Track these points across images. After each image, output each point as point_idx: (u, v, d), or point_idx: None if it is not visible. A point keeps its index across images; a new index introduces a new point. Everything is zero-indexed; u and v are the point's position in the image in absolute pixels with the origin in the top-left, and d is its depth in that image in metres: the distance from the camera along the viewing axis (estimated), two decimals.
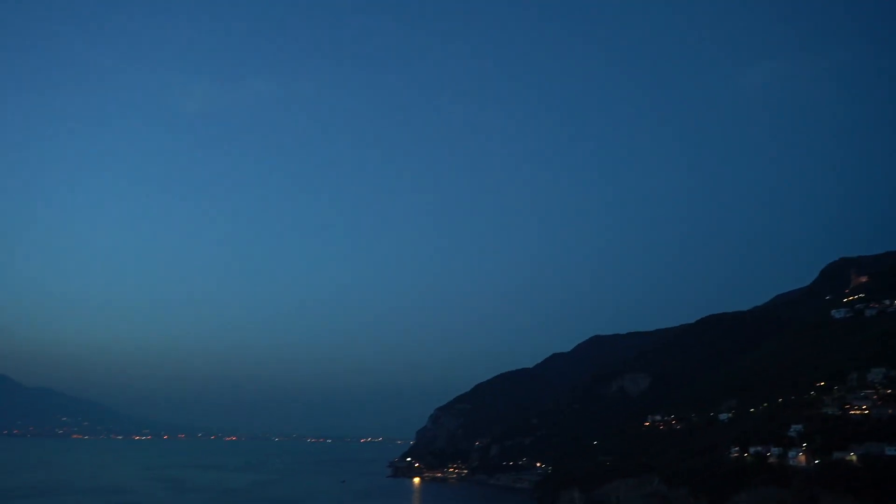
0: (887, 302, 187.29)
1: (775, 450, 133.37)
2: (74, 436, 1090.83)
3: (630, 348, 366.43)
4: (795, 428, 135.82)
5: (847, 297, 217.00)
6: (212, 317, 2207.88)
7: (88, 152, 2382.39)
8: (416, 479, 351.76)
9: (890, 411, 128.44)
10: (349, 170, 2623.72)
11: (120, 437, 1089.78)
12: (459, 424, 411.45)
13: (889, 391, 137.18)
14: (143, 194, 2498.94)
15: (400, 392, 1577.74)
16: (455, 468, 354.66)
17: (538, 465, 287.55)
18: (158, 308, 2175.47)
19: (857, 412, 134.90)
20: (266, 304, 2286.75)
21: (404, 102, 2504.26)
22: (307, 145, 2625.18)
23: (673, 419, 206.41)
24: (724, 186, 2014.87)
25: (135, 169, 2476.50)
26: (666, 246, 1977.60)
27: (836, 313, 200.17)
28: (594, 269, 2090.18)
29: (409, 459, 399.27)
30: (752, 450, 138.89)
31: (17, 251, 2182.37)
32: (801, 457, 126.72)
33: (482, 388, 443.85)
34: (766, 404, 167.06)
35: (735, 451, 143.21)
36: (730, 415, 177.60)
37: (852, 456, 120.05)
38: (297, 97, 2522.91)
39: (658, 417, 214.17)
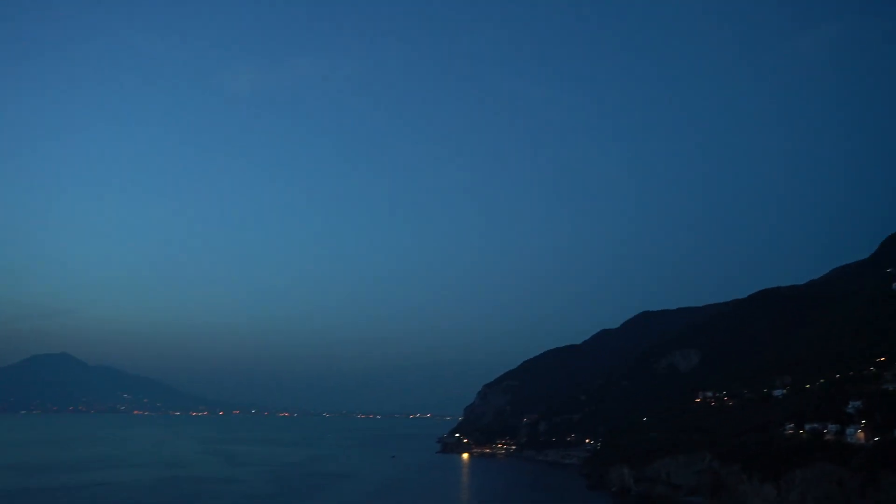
0: None
1: (832, 427, 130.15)
2: (135, 412, 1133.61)
3: (680, 324, 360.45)
4: (854, 404, 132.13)
5: None
6: (266, 298, 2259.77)
7: (143, 137, 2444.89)
8: (465, 455, 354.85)
9: None
10: (391, 147, 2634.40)
11: (178, 414, 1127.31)
12: (507, 401, 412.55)
13: None
14: (196, 177, 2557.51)
15: (448, 369, 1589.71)
16: (503, 444, 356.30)
17: (587, 441, 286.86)
18: (216, 290, 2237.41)
19: None
20: (319, 286, 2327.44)
21: (447, 78, 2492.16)
22: (350, 122, 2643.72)
23: (725, 396, 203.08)
24: (782, 157, 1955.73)
25: (183, 153, 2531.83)
26: (718, 220, 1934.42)
27: None
28: (643, 245, 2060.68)
29: (457, 435, 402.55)
30: (807, 427, 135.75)
31: (79, 237, 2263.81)
32: (860, 434, 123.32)
33: (530, 365, 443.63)
34: (822, 380, 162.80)
35: (790, 428, 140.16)
36: (784, 391, 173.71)
37: None
38: (339, 74, 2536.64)
39: (709, 394, 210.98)
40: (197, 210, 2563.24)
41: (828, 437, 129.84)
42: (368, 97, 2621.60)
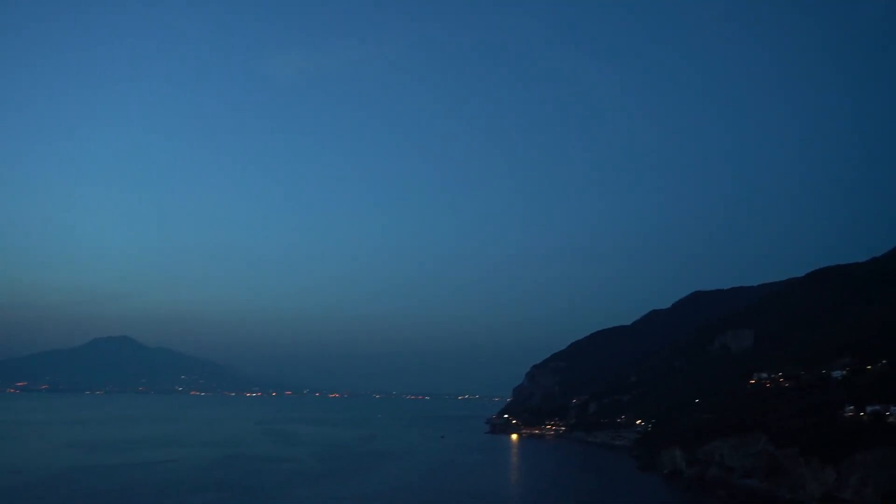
0: None
1: (895, 409, 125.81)
2: (192, 392, 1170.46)
3: (733, 304, 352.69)
4: None
5: None
6: (318, 280, 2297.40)
7: (192, 128, 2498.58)
8: (514, 436, 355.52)
9: None
10: (434, 129, 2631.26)
11: (232, 394, 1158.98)
12: (556, 382, 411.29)
13: None
14: (245, 164, 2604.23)
15: (497, 351, 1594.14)
16: (552, 425, 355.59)
17: (637, 422, 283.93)
18: (268, 274, 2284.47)
19: None
20: (367, 268, 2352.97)
21: (489, 59, 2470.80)
22: (396, 106, 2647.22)
23: (780, 377, 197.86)
24: (839, 130, 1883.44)
25: (235, 140, 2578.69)
26: (774, 196, 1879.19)
27: None
28: (694, 223, 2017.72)
29: (506, 416, 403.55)
30: (868, 409, 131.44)
31: (136, 225, 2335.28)
32: None
33: (578, 346, 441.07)
34: (884, 361, 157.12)
35: (850, 411, 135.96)
36: (843, 372, 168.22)
37: None
38: (384, 58, 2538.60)
39: (764, 375, 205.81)
40: (247, 197, 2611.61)
41: (890, 419, 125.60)
42: (411, 80, 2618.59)
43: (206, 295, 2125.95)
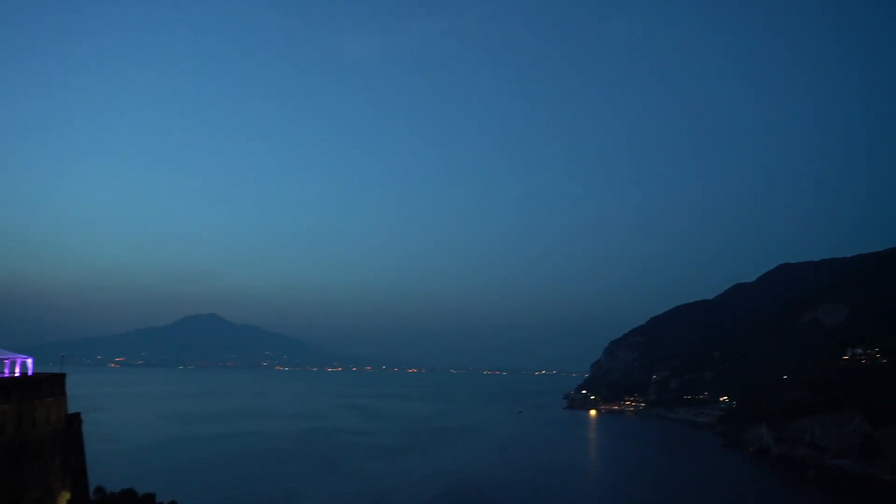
0: None
1: None
2: (277, 367, 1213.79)
3: (824, 276, 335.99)
4: None
5: None
6: (397, 260, 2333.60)
7: (275, 108, 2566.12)
8: (592, 412, 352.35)
9: None
10: (509, 107, 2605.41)
11: (315, 369, 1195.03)
12: (635, 357, 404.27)
13: None
14: (321, 146, 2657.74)
15: (574, 326, 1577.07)
16: (632, 401, 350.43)
17: (721, 399, 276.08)
18: (348, 252, 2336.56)
19: None
20: (443, 246, 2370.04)
21: (570, 29, 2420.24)
22: (469, 83, 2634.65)
23: (877, 352, 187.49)
24: None
25: (309, 123, 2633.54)
26: (868, 163, 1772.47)
27: None
28: (781, 193, 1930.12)
29: (584, 392, 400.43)
30: None
31: (223, 209, 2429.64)
32: None
33: (658, 321, 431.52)
34: None
35: None
36: None
37: None
38: (461, 34, 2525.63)
39: (859, 351, 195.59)
40: (326, 177, 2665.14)
41: None
42: (488, 57, 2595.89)
43: (289, 274, 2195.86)
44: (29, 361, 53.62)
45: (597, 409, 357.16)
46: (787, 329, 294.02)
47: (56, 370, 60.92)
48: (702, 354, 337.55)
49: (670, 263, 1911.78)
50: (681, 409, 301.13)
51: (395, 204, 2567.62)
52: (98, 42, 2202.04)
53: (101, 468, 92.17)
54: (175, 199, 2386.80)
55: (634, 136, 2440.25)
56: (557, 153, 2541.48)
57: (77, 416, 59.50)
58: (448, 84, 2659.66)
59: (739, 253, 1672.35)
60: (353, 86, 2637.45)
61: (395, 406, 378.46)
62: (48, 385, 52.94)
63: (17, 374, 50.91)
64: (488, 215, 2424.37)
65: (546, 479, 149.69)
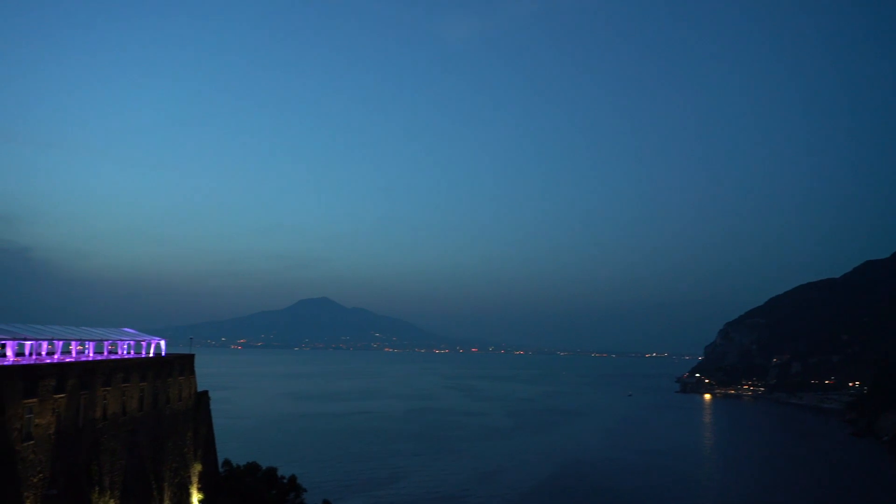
0: None
1: None
2: (386, 349, 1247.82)
3: None
4: None
5: None
6: (504, 242, 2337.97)
7: (364, 90, 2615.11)
8: (707, 396, 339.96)
9: None
10: (598, 86, 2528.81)
11: (422, 351, 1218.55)
12: (753, 340, 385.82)
13: None
14: (423, 129, 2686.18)
15: (686, 307, 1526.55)
16: (749, 385, 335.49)
17: (850, 384, 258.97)
18: (455, 236, 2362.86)
19: None
20: (550, 227, 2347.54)
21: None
22: (558, 64, 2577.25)
23: None
24: None
25: (406, 105, 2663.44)
26: None
27: None
28: None
29: (697, 375, 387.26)
30: None
31: (331, 195, 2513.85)
32: None
33: (778, 301, 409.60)
34: None
35: None
36: None
37: None
38: (556, 14, 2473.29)
39: None
40: (428, 161, 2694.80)
41: None
42: (582, 37, 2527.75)
43: (397, 258, 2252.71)
44: (162, 343, 57.63)
45: (711, 394, 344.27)
46: None
47: (185, 351, 65.25)
48: (828, 337, 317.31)
49: (791, 242, 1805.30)
50: (805, 394, 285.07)
51: (499, 189, 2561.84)
52: (217, 48, 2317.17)
53: (227, 442, 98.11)
54: (288, 190, 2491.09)
55: (754, 112, 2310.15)
56: (676, 135, 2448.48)
57: (205, 393, 63.56)
58: (543, 63, 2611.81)
59: (871, 228, 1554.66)
60: (455, 69, 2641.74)
61: (501, 388, 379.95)
62: (179, 364, 56.79)
63: (151, 355, 54.84)
64: (598, 199, 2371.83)
65: (660, 463, 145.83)
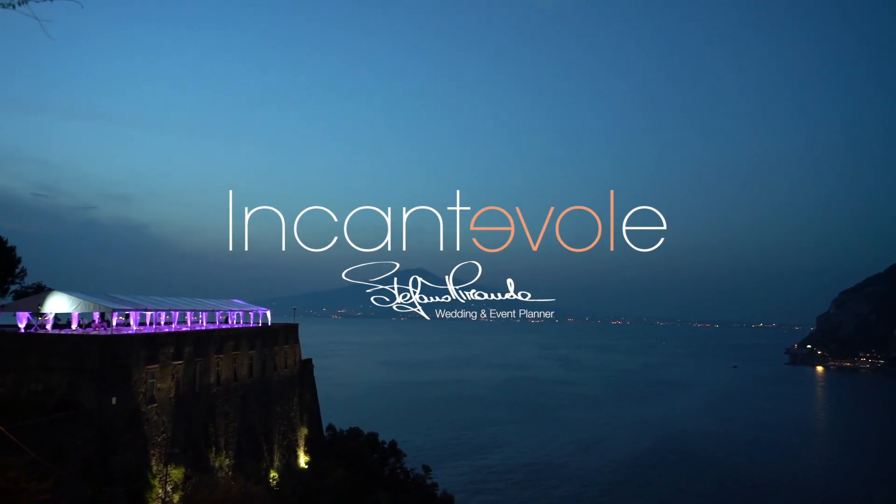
0: None
1: None
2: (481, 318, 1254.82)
3: None
4: None
5: None
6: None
7: (461, 55, 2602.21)
8: (820, 368, 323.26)
9: None
10: (697, 53, 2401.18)
11: (518, 321, 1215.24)
12: (872, 309, 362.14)
13: None
14: (508, 99, 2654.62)
15: (797, 275, 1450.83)
16: (867, 357, 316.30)
17: None
18: (548, 208, 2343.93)
19: None
20: (648, 194, 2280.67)
21: None
22: (656, 35, 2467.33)
23: None
24: None
25: (500, 75, 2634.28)
26: None
27: None
28: None
29: (809, 347, 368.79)
30: None
31: (414, 164, 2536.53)
32: None
33: None
34: None
35: None
36: None
37: None
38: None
39: None
40: (540, 126, 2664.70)
41: None
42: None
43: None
44: (268, 313, 60.44)
45: (824, 366, 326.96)
46: None
47: (289, 321, 68.21)
48: None
49: None
50: None
51: (598, 152, 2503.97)
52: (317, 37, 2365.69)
53: (330, 408, 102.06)
54: (380, 161, 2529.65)
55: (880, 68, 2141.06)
56: (792, 94, 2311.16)
57: (309, 361, 66.40)
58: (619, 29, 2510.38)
59: None
60: (552, 37, 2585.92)
61: (598, 358, 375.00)
62: (284, 334, 59.58)
63: (259, 325, 57.66)
64: (699, 165, 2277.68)
65: (768, 436, 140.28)
